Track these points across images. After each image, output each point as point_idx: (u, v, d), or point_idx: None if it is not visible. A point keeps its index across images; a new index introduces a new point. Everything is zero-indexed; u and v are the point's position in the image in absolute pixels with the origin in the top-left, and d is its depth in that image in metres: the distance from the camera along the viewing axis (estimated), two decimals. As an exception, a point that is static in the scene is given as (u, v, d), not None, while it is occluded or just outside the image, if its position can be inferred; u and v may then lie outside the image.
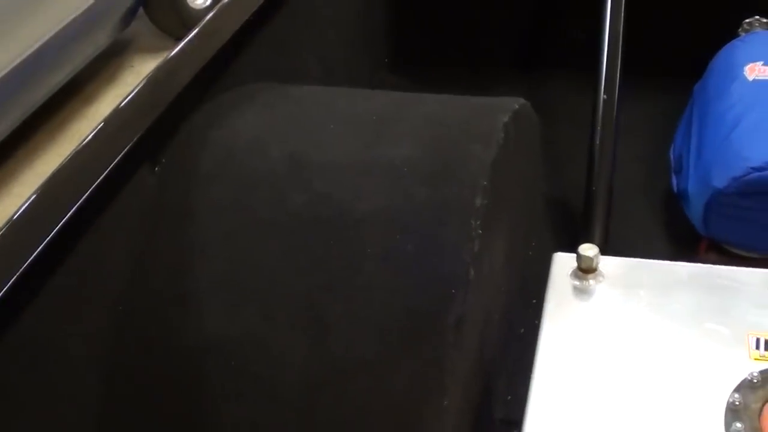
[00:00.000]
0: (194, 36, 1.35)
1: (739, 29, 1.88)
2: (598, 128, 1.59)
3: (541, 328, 1.08)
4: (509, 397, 1.30)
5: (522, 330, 1.33)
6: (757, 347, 1.02)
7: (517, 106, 1.28)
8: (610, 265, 1.15)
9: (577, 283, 1.14)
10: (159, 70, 1.27)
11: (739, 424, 0.92)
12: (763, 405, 0.95)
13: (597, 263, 1.14)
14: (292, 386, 1.06)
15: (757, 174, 1.47)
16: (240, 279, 1.11)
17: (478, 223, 1.08)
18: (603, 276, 1.14)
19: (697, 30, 1.98)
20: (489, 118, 1.26)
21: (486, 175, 1.13)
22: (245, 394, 1.07)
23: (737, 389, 0.97)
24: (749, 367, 0.99)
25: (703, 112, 1.70)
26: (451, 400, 1.03)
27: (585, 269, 1.14)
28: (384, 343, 1.04)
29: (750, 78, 1.67)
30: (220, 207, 1.16)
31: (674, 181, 1.71)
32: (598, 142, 1.57)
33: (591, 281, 1.14)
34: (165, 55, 1.33)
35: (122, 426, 1.09)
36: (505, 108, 1.27)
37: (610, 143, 1.57)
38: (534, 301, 1.14)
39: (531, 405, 0.99)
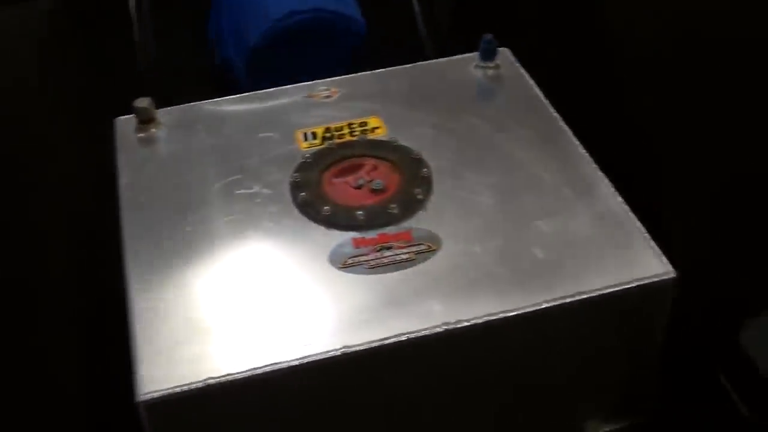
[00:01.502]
0: None
1: None
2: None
3: (118, 184, 1.14)
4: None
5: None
6: (306, 139, 1.16)
7: None
8: (166, 114, 1.25)
9: (141, 135, 1.22)
10: None
11: (303, 193, 1.06)
12: (320, 176, 1.10)
13: (154, 113, 1.23)
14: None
15: (280, 24, 1.63)
16: None
17: None
18: (163, 124, 1.23)
19: None
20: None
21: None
22: None
23: (296, 170, 1.10)
24: (303, 154, 1.13)
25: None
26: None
27: (145, 120, 1.22)
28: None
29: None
30: None
31: (217, 55, 1.83)
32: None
33: (153, 130, 1.22)
34: None
35: None
36: None
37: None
38: None
39: (126, 247, 1.05)
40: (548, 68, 1.31)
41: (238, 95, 1.28)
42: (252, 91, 1.60)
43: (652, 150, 1.15)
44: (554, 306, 0.93)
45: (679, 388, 1.09)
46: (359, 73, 1.28)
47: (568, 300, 0.93)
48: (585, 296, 0.93)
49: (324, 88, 1.26)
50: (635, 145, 1.17)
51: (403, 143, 1.13)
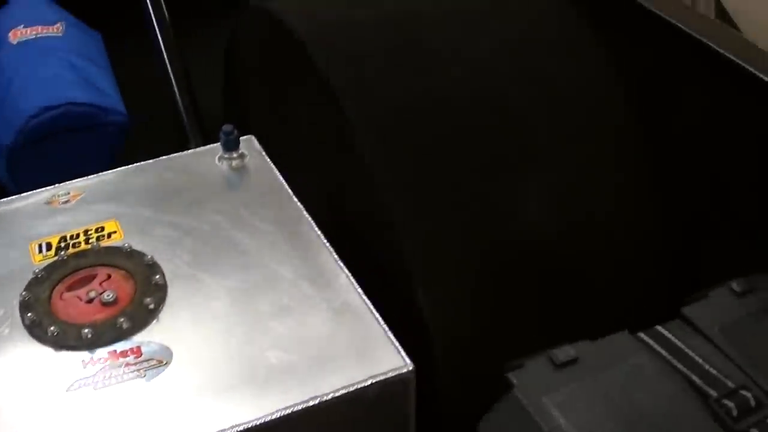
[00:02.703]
0: None
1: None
2: None
3: None
4: None
5: None
6: (41, 251, 1.10)
7: None
8: None
9: None
10: None
11: (30, 314, 1.00)
12: (51, 292, 1.04)
13: None
14: None
15: (35, 120, 1.57)
16: None
17: None
18: None
19: None
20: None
21: None
22: None
23: (26, 288, 1.04)
24: (36, 268, 1.07)
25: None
26: None
27: None
28: None
29: (14, 42, 1.75)
30: None
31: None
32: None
33: None
34: None
35: None
36: None
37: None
38: None
39: None
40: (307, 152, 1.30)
41: None
42: (16, 191, 1.54)
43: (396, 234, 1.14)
44: (288, 414, 0.89)
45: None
46: (102, 173, 1.23)
47: (301, 406, 0.89)
48: (320, 400, 0.90)
49: (63, 192, 1.21)
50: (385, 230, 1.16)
51: (138, 248, 1.08)
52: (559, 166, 1.14)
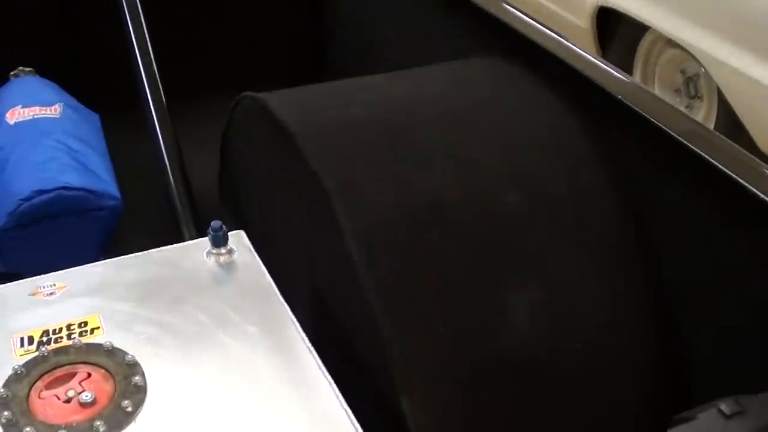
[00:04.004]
0: None
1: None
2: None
3: None
4: None
5: None
6: (22, 345, 1.09)
7: None
8: None
9: None
10: None
11: (7, 413, 0.98)
12: (29, 390, 1.02)
13: None
14: None
15: (27, 204, 1.56)
16: None
17: None
18: None
19: None
20: None
21: None
22: None
23: (5, 384, 1.02)
24: (16, 363, 1.06)
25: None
26: None
27: None
28: None
29: (12, 122, 1.76)
30: None
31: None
32: None
33: None
34: None
35: None
36: None
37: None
38: None
39: None
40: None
41: None
42: (6, 269, 1.53)
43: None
44: None
45: None
46: (88, 265, 1.22)
47: None
48: None
49: (49, 284, 1.19)
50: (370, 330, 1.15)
51: (120, 345, 1.07)
52: (549, 277, 1.13)
